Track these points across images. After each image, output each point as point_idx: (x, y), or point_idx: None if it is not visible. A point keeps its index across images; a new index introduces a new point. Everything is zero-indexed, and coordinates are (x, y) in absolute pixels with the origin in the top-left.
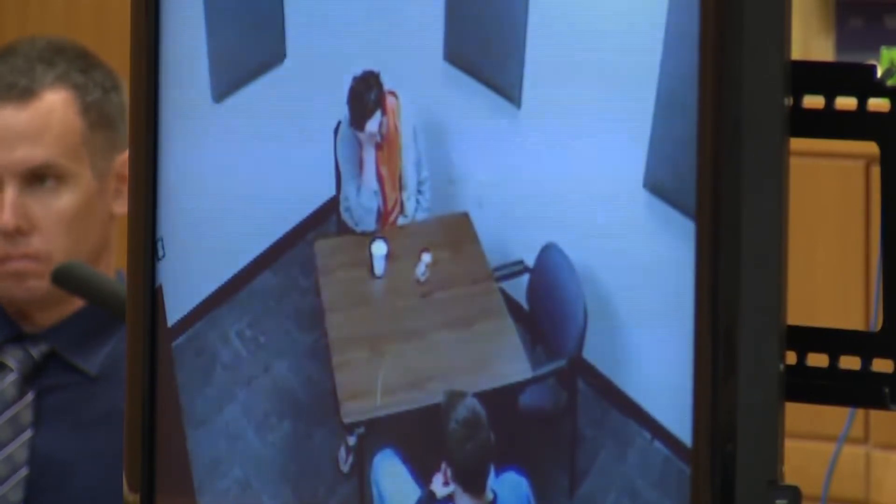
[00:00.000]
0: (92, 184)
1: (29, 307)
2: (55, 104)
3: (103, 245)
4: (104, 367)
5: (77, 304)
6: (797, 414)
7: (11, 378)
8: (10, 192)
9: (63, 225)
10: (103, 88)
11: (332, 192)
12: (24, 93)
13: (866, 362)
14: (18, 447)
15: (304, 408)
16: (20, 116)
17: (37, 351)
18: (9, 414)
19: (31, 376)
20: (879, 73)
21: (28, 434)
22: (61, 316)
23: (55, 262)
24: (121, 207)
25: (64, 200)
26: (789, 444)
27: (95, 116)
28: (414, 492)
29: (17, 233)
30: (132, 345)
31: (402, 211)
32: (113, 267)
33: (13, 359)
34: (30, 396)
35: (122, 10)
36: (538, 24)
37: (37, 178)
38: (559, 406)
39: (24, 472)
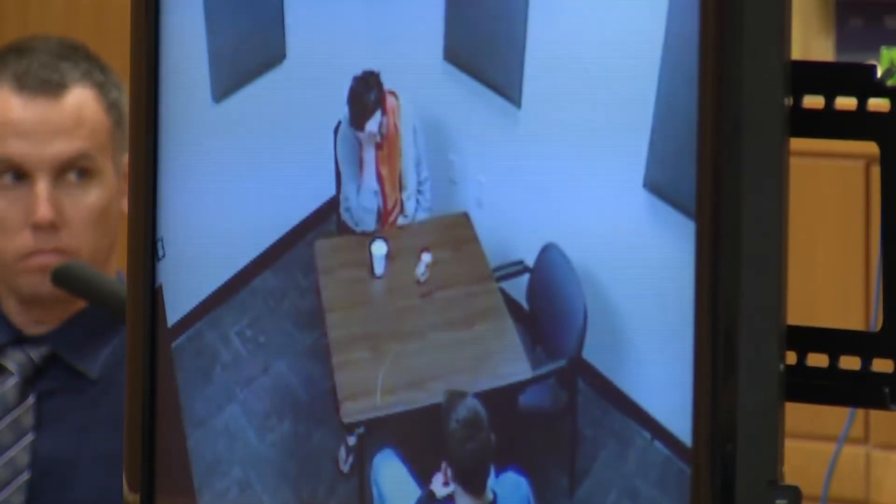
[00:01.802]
0: (114, 181)
1: (47, 302)
2: (85, 100)
3: (115, 243)
4: (105, 369)
5: (81, 303)
6: (797, 414)
7: (12, 382)
8: (44, 186)
9: (91, 220)
10: (118, 88)
11: (332, 192)
12: (56, 87)
13: (866, 362)
14: (20, 451)
15: (304, 408)
16: (54, 111)
17: (37, 354)
18: (10, 418)
19: (32, 379)
20: (879, 73)
21: (29, 438)
22: (65, 315)
23: (82, 258)
24: (126, 206)
25: (92, 196)
26: (789, 444)
27: (116, 114)
28: (414, 492)
29: (50, 226)
30: (132, 345)
31: (402, 211)
32: (115, 267)
33: (13, 362)
34: (31, 400)
35: (122, 10)
36: (538, 24)
37: (68, 172)
38: (559, 406)
39: (25, 475)
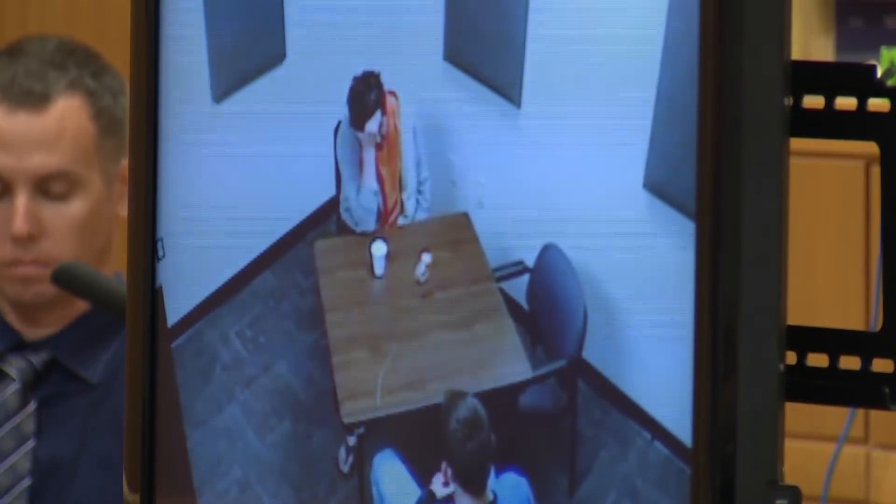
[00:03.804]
0: (100, 189)
1: (34, 309)
2: (69, 110)
3: (107, 248)
4: (105, 374)
5: (80, 307)
6: (797, 414)
7: (13, 388)
8: (23, 199)
9: (72, 231)
10: (112, 93)
11: (332, 193)
12: (39, 99)
13: (866, 362)
14: (21, 457)
15: (304, 408)
16: (35, 123)
17: (38, 359)
18: (11, 424)
19: (33, 385)
20: (879, 73)
21: (31, 444)
22: (65, 317)
23: None
24: (124, 210)
25: (74, 207)
26: (789, 444)
27: (106, 122)
28: (414, 492)
29: (28, 239)
30: (132, 345)
31: (402, 211)
32: (113, 268)
33: (14, 368)
34: (32, 406)
35: (122, 10)
36: (538, 24)
37: (49, 184)
38: (559, 406)
39: (27, 481)
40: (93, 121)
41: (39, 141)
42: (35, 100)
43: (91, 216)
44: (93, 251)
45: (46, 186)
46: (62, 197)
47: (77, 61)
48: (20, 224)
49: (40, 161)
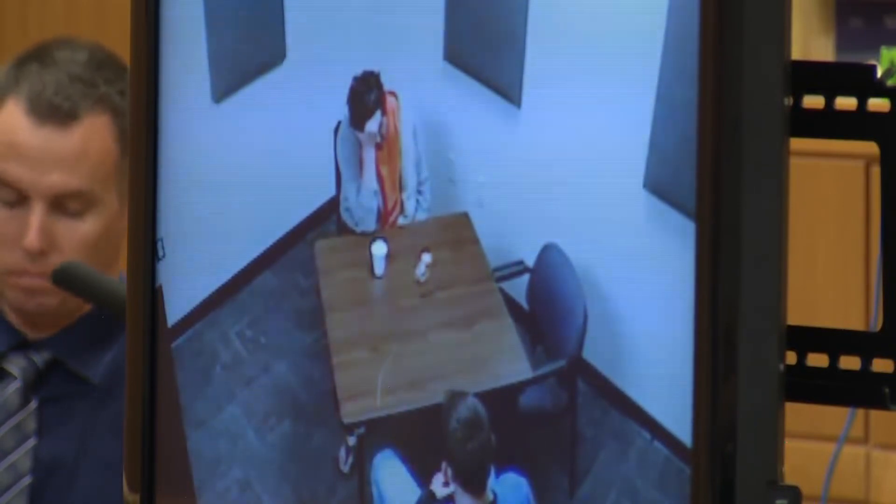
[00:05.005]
0: (115, 207)
1: (35, 316)
2: (94, 131)
3: (115, 257)
4: (107, 374)
5: (82, 311)
6: (797, 414)
7: (15, 386)
8: (38, 214)
9: (83, 247)
10: None
11: (332, 193)
12: (66, 117)
13: (866, 362)
14: (22, 455)
15: (304, 408)
16: (60, 141)
17: (39, 359)
18: (12, 422)
19: (35, 384)
20: (879, 73)
21: (31, 442)
22: (66, 321)
23: None
24: None
25: (88, 225)
26: (789, 444)
27: (128, 141)
28: (414, 492)
29: (40, 253)
30: (132, 345)
31: (402, 211)
32: (119, 270)
33: (16, 367)
34: (33, 405)
35: (122, 9)
36: (538, 24)
37: (65, 201)
38: (559, 406)
39: (27, 480)
40: (116, 141)
41: (61, 160)
42: (61, 117)
43: (103, 234)
44: (100, 264)
45: (63, 203)
46: (77, 214)
47: (106, 77)
48: (32, 239)
49: (60, 180)
